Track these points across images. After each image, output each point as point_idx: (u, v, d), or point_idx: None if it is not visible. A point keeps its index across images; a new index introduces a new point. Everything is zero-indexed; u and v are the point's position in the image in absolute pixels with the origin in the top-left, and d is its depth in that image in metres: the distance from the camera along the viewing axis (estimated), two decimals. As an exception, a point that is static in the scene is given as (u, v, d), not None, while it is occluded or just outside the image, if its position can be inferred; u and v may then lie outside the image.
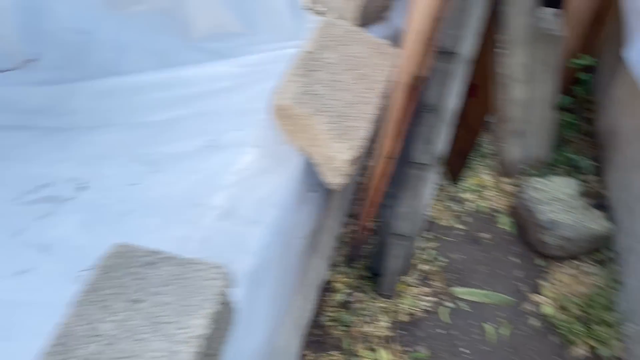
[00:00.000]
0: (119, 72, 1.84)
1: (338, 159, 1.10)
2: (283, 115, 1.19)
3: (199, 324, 0.77)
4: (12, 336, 1.00)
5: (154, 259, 0.85)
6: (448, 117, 1.26)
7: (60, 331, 0.74)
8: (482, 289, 1.77)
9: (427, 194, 1.42)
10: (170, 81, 1.65)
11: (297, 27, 1.69)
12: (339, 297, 1.70)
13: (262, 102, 1.41)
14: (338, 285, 1.73)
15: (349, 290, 1.72)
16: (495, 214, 1.99)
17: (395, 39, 1.73)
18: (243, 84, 1.51)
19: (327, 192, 1.33)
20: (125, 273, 0.82)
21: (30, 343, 0.98)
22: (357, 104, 1.19)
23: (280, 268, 1.11)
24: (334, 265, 1.79)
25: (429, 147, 1.25)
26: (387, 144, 0.94)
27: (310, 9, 1.69)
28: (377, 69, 1.28)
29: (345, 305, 1.69)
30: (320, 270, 1.64)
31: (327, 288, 1.73)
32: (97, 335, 0.74)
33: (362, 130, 1.13)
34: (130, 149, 1.44)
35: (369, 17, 1.64)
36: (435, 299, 1.74)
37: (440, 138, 1.27)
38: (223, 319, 0.83)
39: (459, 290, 1.76)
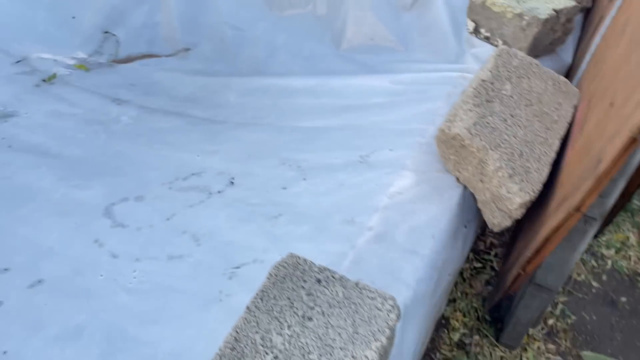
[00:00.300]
0: (267, 72, 1.87)
1: (509, 200, 1.02)
2: (449, 143, 1.13)
3: (370, 357, 0.73)
4: (160, 320, 1.03)
5: (325, 276, 0.82)
6: (630, 171, 1.14)
7: (235, 335, 0.74)
8: (616, 358, 1.61)
9: (582, 249, 1.30)
10: (320, 89, 1.65)
11: (459, 51, 1.63)
12: (456, 336, 1.61)
13: (419, 124, 1.36)
14: (455, 324, 1.64)
15: (466, 331, 1.63)
16: (637, 277, 1.81)
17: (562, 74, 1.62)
18: (398, 103, 1.47)
19: (476, 228, 1.26)
20: (297, 286, 0.80)
21: (177, 330, 1.00)
22: (535, 143, 1.10)
23: (429, 304, 1.05)
24: (452, 301, 1.70)
25: (604, 200, 1.14)
26: (579, 196, 0.86)
27: (476, 34, 1.62)
28: (556, 107, 1.19)
29: (461, 346, 1.60)
30: (441, 305, 1.56)
31: (443, 324, 1.64)
32: (271, 347, 0.72)
33: (539, 173, 1.05)
34: (278, 151, 1.45)
35: (539, 48, 1.54)
36: (560, 359, 1.60)
37: (617, 192, 1.16)
38: (387, 352, 0.79)
39: (589, 355, 1.61)
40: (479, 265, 1.73)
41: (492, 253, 1.76)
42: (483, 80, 1.17)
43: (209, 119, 1.67)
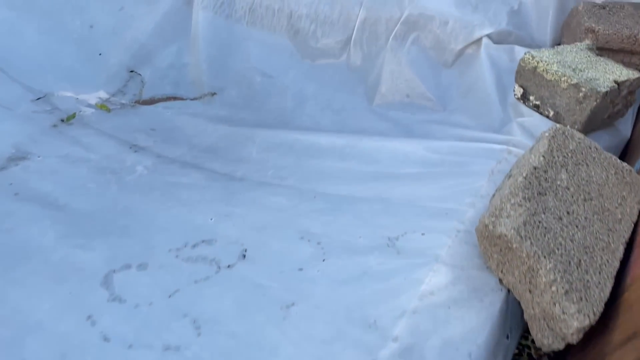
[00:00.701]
0: (293, 124, 1.76)
1: (564, 322, 0.86)
2: (492, 241, 0.98)
3: None
4: None
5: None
6: None
7: None
8: None
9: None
10: (348, 150, 1.52)
11: (504, 118, 1.48)
12: None
13: (457, 204, 1.22)
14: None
15: None
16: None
17: (620, 151, 1.45)
18: (433, 175, 1.33)
19: (519, 337, 1.09)
20: None
21: None
22: (595, 249, 0.94)
23: None
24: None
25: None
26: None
27: (524, 101, 1.47)
28: (620, 203, 1.03)
29: None
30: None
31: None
32: None
33: (600, 289, 0.89)
34: (298, 221, 1.31)
35: (595, 123, 1.38)
36: None
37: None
38: None
39: None
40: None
41: None
42: (535, 168, 1.02)
43: (227, 174, 1.55)
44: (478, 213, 1.15)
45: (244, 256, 1.23)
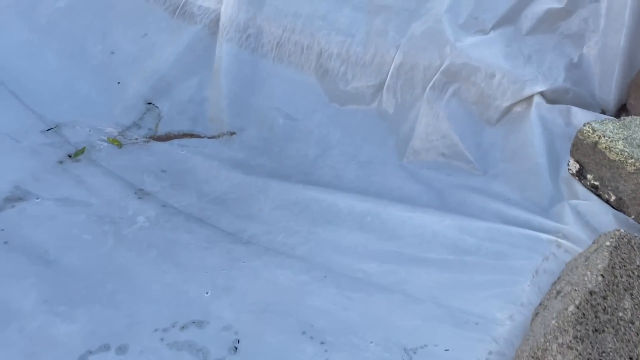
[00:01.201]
0: (313, 175, 1.59)
1: None
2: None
3: None
4: None
5: None
6: None
7: None
8: None
9: None
10: (368, 220, 1.34)
11: (554, 195, 1.27)
12: None
13: (491, 311, 1.01)
14: None
15: None
16: None
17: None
18: (465, 266, 1.13)
19: None
20: None
21: None
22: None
23: None
24: None
25: None
26: None
27: (579, 178, 1.25)
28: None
29: None
30: None
31: None
32: None
33: None
34: (304, 307, 1.15)
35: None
36: None
37: None
38: None
39: None
40: None
41: None
42: (591, 293, 0.81)
43: (233, 234, 1.40)
44: (516, 330, 0.95)
45: (236, 349, 1.07)
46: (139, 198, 1.52)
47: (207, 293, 1.21)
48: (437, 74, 1.49)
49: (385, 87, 1.60)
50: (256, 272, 1.26)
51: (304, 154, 1.66)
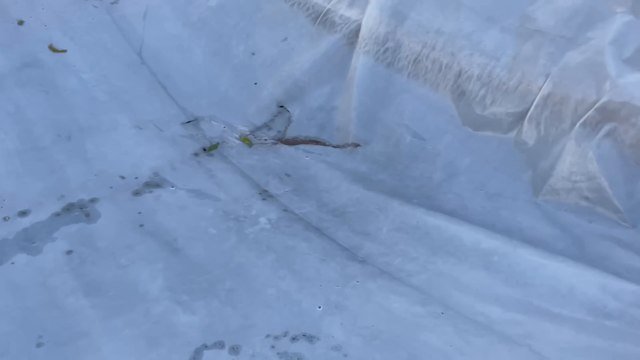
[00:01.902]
0: (436, 199, 1.53)
1: None
2: None
3: None
4: None
5: None
6: None
7: None
8: None
9: None
10: (494, 260, 1.26)
11: None
12: None
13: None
14: None
15: None
16: None
17: None
18: (604, 331, 1.02)
19: None
20: None
21: None
22: None
23: None
24: None
25: None
26: None
27: None
28: None
29: None
30: None
31: None
32: None
33: None
34: (416, 342, 1.10)
35: None
36: None
37: None
38: None
39: None
40: None
41: None
42: None
43: (349, 250, 1.39)
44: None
45: (343, 373, 1.06)
46: (263, 199, 1.56)
47: (319, 307, 1.21)
48: (591, 110, 1.36)
49: (527, 116, 1.50)
50: (369, 294, 1.24)
51: (428, 177, 1.60)
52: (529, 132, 1.51)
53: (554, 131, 1.45)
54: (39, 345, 1.13)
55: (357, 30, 1.84)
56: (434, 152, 1.64)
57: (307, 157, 1.75)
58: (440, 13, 1.69)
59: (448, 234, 1.34)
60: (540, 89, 1.48)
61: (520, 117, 1.53)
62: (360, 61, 1.78)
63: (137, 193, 1.54)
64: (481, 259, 1.25)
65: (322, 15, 1.92)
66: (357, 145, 1.77)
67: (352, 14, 1.86)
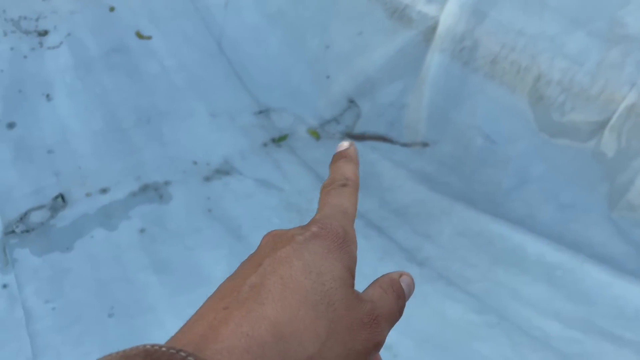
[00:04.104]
0: (504, 206, 1.49)
1: None
2: None
3: None
4: None
5: None
6: None
7: None
8: None
9: None
10: (558, 275, 1.21)
11: None
12: None
13: None
14: None
15: None
16: None
17: None
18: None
19: None
20: None
21: None
22: None
23: None
24: None
25: None
26: None
27: None
28: None
29: None
30: None
31: None
32: None
33: None
34: (473, 346, 1.09)
35: None
36: None
37: None
38: None
39: None
40: None
41: None
42: None
43: (408, 251, 1.39)
44: None
45: (392, 373, 1.06)
46: (326, 193, 1.58)
47: (373, 306, 1.22)
48: (680, 124, 1.27)
49: (608, 126, 1.42)
50: (425, 297, 1.23)
51: (497, 182, 1.56)
52: (608, 143, 1.43)
53: (636, 143, 1.36)
54: (110, 315, 1.22)
55: (433, 27, 1.81)
56: (505, 157, 1.59)
57: (373, 153, 1.75)
58: (522, 13, 1.63)
59: (512, 243, 1.30)
60: (624, 98, 1.39)
61: (601, 126, 1.45)
62: (435, 59, 1.75)
63: (207, 179, 1.61)
64: (544, 272, 1.21)
65: (399, 10, 1.90)
66: (425, 144, 1.75)
67: (430, 10, 1.83)
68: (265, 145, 1.77)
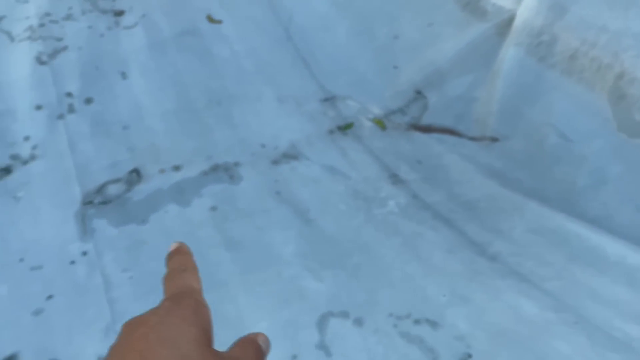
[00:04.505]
0: (578, 207, 1.45)
1: None
2: None
3: None
4: None
5: None
6: None
7: None
8: None
9: None
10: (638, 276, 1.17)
11: None
12: None
13: None
14: None
15: None
16: None
17: None
18: None
19: None
20: None
21: None
22: None
23: None
24: None
25: None
26: None
27: None
28: None
29: None
30: None
31: None
32: None
33: None
34: (551, 343, 1.07)
35: None
36: None
37: None
38: None
39: None
40: None
41: None
42: None
43: (479, 245, 1.37)
44: None
45: (466, 364, 1.06)
46: (393, 183, 1.58)
47: (444, 296, 1.22)
48: None
49: (696, 129, 1.36)
50: (498, 292, 1.22)
51: (571, 181, 1.52)
52: (696, 146, 1.37)
53: None
54: (184, 287, 1.25)
55: (509, 21, 1.77)
56: (581, 155, 1.55)
57: (440, 146, 1.74)
58: (606, 9, 1.58)
59: (589, 243, 1.27)
60: None
61: (688, 128, 1.39)
62: (509, 53, 1.72)
63: (275, 162, 1.63)
64: (624, 274, 1.17)
65: (473, 2, 1.87)
66: (495, 139, 1.72)
67: (505, 3, 1.80)
68: (331, 132, 1.77)
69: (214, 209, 1.45)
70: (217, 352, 0.33)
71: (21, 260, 1.31)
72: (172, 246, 0.44)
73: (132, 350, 0.30)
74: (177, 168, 1.57)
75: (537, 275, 1.23)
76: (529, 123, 1.67)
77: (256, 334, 0.38)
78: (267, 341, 0.38)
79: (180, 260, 0.42)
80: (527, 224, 1.38)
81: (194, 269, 0.41)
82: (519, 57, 1.70)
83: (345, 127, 1.80)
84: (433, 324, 1.14)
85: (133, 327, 0.33)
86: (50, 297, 1.25)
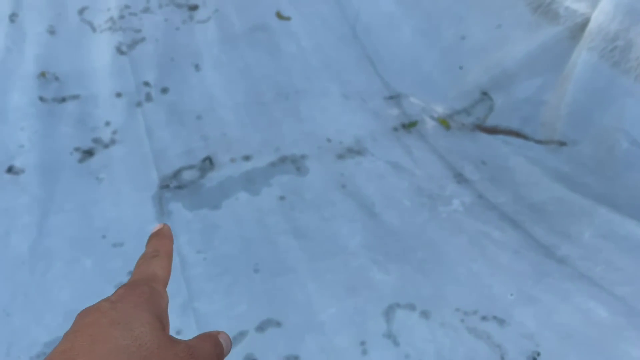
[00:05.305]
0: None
1: None
2: None
3: None
4: None
5: None
6: None
7: None
8: None
9: None
10: None
11: None
12: None
13: None
14: None
15: None
16: None
17: None
18: None
19: None
20: None
21: None
22: None
23: None
24: None
25: None
26: None
27: None
28: None
29: None
30: None
31: None
32: None
33: None
34: (622, 347, 1.06)
35: None
36: None
37: None
38: None
39: None
40: None
41: None
42: None
43: (546, 247, 1.37)
44: None
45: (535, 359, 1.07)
46: (458, 182, 1.59)
47: (511, 295, 1.22)
48: None
49: None
50: (566, 294, 1.21)
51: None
52: None
53: None
54: (255, 271, 1.30)
55: (582, 25, 1.75)
56: (655, 163, 1.52)
57: (505, 148, 1.73)
58: (688, 13, 1.54)
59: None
60: None
61: None
62: (582, 57, 1.70)
63: (340, 156, 1.67)
64: None
65: (544, 5, 1.86)
66: (562, 143, 1.70)
67: (579, 7, 1.77)
68: (395, 129, 1.80)
69: (282, 198, 1.50)
70: (171, 337, 0.33)
71: (104, 237, 1.40)
72: (155, 228, 0.43)
73: (84, 334, 0.31)
74: (247, 158, 1.63)
75: (607, 280, 1.22)
76: (600, 128, 1.64)
77: (218, 332, 0.38)
78: (228, 340, 0.38)
79: (155, 245, 0.41)
80: (596, 229, 1.37)
81: (166, 255, 0.41)
82: (592, 61, 1.68)
83: (410, 125, 1.82)
84: (500, 321, 1.15)
85: (85, 314, 0.33)
86: (130, 272, 1.33)
